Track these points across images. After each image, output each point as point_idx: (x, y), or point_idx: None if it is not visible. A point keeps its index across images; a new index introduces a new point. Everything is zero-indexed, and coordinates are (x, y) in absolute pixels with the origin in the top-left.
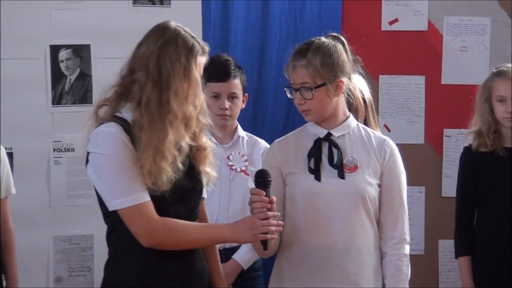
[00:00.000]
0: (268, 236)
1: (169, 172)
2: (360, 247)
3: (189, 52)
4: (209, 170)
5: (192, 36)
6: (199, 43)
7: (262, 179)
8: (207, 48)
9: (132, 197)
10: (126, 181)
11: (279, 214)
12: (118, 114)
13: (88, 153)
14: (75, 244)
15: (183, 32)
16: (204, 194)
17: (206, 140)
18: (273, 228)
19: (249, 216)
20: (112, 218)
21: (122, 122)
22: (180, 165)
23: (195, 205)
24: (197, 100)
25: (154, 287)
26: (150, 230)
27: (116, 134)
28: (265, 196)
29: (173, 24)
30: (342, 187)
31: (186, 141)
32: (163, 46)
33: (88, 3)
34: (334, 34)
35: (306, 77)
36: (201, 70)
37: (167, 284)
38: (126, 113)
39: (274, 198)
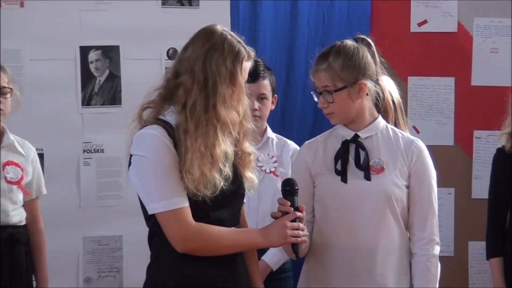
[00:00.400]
0: (299, 239)
1: (217, 178)
2: (386, 248)
3: (235, 57)
4: (251, 176)
5: (239, 41)
6: (245, 48)
7: (289, 188)
8: (252, 53)
9: (170, 201)
10: (165, 185)
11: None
12: (161, 117)
13: (131, 155)
14: (105, 245)
15: (229, 37)
16: (245, 199)
17: (250, 146)
18: (302, 232)
19: (280, 219)
20: (154, 221)
21: (166, 125)
22: (229, 172)
23: (237, 210)
24: (241, 105)
25: None
26: (184, 236)
27: (159, 137)
28: (292, 205)
29: (219, 27)
30: (368, 188)
31: (230, 147)
32: (210, 50)
33: (117, 4)
34: (362, 36)
35: (326, 81)
36: (246, 76)
37: (208, 285)
38: (170, 116)
39: (304, 206)
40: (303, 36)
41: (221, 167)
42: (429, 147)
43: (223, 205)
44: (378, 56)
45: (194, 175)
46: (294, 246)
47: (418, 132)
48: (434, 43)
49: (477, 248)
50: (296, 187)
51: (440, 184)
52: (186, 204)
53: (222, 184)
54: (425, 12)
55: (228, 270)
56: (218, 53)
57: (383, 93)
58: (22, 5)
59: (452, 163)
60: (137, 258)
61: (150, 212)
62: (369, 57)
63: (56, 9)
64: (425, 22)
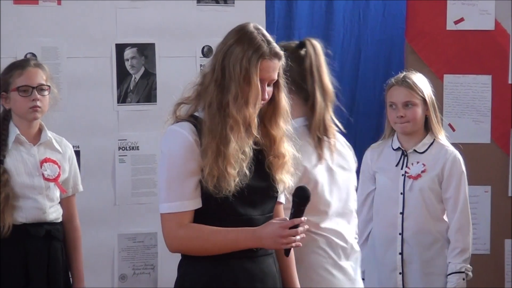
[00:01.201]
0: (293, 244)
1: (232, 175)
2: None
3: (253, 53)
4: (285, 178)
5: (265, 39)
6: (270, 46)
7: (298, 200)
8: (280, 53)
9: (173, 204)
10: (175, 186)
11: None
12: (196, 113)
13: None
14: (139, 242)
15: (255, 34)
16: (282, 200)
17: (287, 148)
18: (298, 237)
19: (276, 223)
20: None
21: (196, 122)
22: (246, 171)
23: (268, 211)
24: (257, 104)
25: None
26: (170, 241)
27: (184, 135)
28: (299, 215)
29: (252, 25)
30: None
31: (249, 145)
32: (231, 46)
33: (153, 2)
34: (309, 39)
35: None
36: (269, 75)
37: (238, 285)
38: (202, 112)
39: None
40: (338, 34)
41: (234, 164)
42: (465, 145)
43: (250, 203)
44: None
45: (210, 172)
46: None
47: (454, 130)
48: (471, 41)
49: None
50: (308, 194)
51: (476, 182)
52: (190, 208)
53: (236, 181)
54: (462, 10)
55: (256, 270)
56: (239, 49)
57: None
58: (59, 3)
59: (489, 161)
60: (171, 255)
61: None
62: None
63: (92, 7)
64: (461, 20)
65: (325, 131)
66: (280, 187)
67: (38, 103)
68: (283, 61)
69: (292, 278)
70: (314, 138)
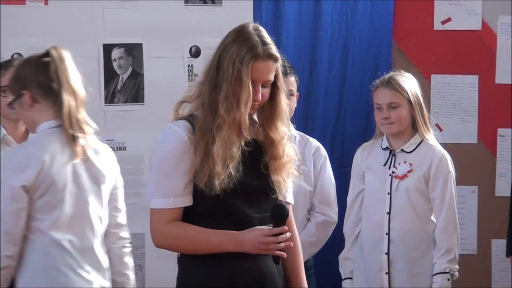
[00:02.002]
0: (276, 252)
1: (218, 174)
2: None
3: (246, 54)
4: (278, 179)
5: (261, 41)
6: (264, 48)
7: (279, 215)
8: (276, 55)
9: (162, 200)
10: (165, 183)
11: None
12: (195, 112)
13: None
14: None
15: (252, 34)
16: (290, 200)
17: (285, 151)
18: (282, 245)
19: (257, 229)
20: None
21: (193, 120)
22: (232, 171)
23: (266, 209)
24: (247, 105)
25: None
26: (155, 235)
27: (179, 133)
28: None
29: (251, 26)
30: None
31: (237, 146)
32: (228, 45)
33: (140, 2)
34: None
35: None
36: (264, 76)
37: (234, 285)
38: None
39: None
40: (326, 34)
41: (219, 163)
42: (453, 145)
43: (245, 202)
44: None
45: (200, 170)
46: (274, 256)
47: (441, 130)
48: (458, 41)
49: (500, 246)
50: (286, 213)
51: (463, 182)
52: (177, 205)
53: (221, 179)
54: (449, 10)
55: (254, 271)
56: (233, 50)
57: None
58: (46, 3)
59: (476, 161)
60: (159, 256)
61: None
62: None
63: (79, 7)
64: (448, 20)
65: (80, 129)
66: (280, 188)
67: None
68: (280, 63)
69: (298, 278)
70: (68, 136)
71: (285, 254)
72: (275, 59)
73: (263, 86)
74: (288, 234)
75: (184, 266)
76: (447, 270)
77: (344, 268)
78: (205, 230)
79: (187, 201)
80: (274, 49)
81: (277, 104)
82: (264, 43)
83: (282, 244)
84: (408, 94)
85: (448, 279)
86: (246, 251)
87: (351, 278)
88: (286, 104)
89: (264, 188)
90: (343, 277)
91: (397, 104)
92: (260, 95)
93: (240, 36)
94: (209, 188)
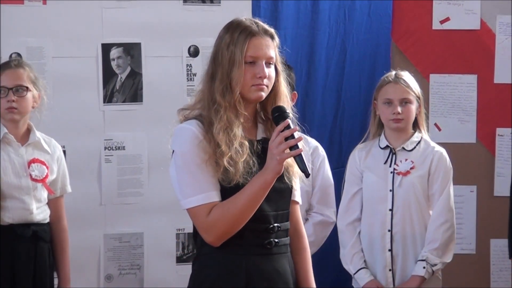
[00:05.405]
0: (292, 152)
1: (225, 153)
2: None
3: (240, 34)
4: (293, 178)
5: (254, 22)
6: (258, 25)
7: (278, 113)
8: (271, 30)
9: (197, 197)
10: (194, 180)
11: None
12: (203, 112)
13: (173, 151)
14: (125, 242)
15: (244, 19)
16: (297, 199)
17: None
18: (293, 141)
19: (269, 145)
20: None
21: (202, 119)
22: (239, 149)
23: (282, 207)
24: (239, 83)
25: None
26: (206, 225)
27: (192, 131)
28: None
29: (246, 18)
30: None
31: (237, 125)
32: (221, 37)
33: (139, 2)
34: None
35: None
36: (265, 52)
37: (249, 283)
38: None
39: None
40: (324, 34)
41: (222, 144)
42: (451, 145)
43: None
44: None
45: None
46: (299, 164)
47: (439, 129)
48: (457, 41)
49: (499, 245)
50: (286, 111)
51: (462, 182)
52: (215, 199)
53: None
54: (448, 10)
55: (270, 269)
56: (227, 36)
57: None
58: (45, 2)
59: (474, 161)
60: (158, 255)
61: (182, 207)
62: None
63: (78, 6)
64: (447, 19)
65: None
66: (294, 187)
67: (14, 104)
68: (277, 41)
69: (307, 278)
70: None
71: (301, 149)
72: (271, 35)
73: (267, 64)
74: (292, 126)
75: (199, 266)
76: (424, 258)
77: (354, 263)
78: (241, 191)
79: (219, 193)
80: (268, 26)
81: (278, 87)
82: (257, 24)
83: (293, 140)
84: (417, 92)
85: (424, 267)
86: (273, 169)
87: (366, 268)
88: (286, 87)
89: (281, 185)
90: (353, 271)
91: (409, 100)
92: (265, 71)
93: (232, 24)
94: (226, 180)
